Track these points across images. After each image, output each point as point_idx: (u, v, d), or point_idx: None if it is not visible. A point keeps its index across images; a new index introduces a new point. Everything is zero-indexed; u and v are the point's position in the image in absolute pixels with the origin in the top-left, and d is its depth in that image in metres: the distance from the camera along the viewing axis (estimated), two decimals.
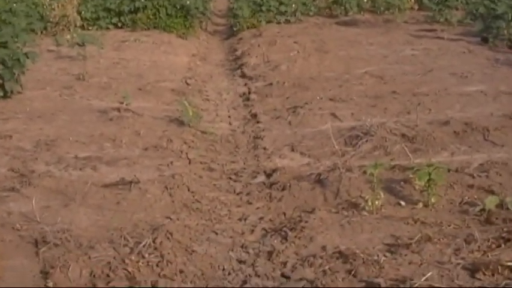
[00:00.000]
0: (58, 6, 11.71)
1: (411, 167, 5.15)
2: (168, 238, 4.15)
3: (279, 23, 12.64)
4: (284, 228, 4.41)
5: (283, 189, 5.22)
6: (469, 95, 7.76)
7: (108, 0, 12.49)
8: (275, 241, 4.26)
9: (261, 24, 12.45)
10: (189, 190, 5.29)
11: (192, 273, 3.84)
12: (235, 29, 12.55)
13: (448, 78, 8.56)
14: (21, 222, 4.44)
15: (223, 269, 3.95)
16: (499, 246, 3.84)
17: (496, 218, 4.37)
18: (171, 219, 4.66)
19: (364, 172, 5.20)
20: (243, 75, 9.53)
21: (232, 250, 4.23)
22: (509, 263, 3.57)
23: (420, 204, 4.73)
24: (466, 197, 4.81)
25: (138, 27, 12.15)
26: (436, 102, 7.44)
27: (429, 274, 3.54)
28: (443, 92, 7.86)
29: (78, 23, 11.81)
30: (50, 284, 3.63)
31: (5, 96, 7.70)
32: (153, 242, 4.06)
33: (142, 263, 3.85)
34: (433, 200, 4.71)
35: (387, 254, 3.87)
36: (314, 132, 6.69)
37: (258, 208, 5.00)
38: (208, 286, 3.75)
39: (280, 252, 4.07)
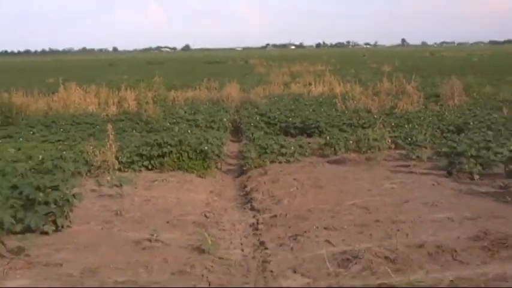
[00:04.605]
0: (100, 153, 12.03)
1: (393, 285, 5.26)
2: None
3: (280, 162, 12.87)
4: None
5: None
6: (439, 221, 7.90)
7: (140, 147, 12.86)
8: None
9: (266, 163, 12.67)
10: None
11: None
12: (244, 168, 12.75)
13: (421, 207, 8.72)
14: None
15: None
16: None
17: None
18: None
19: None
20: (252, 209, 9.68)
21: None
22: None
23: None
24: None
25: (165, 169, 12.43)
26: (412, 228, 7.58)
27: None
28: (418, 219, 8.00)
29: (116, 166, 12.08)
30: None
31: (56, 230, 7.87)
32: None
33: None
34: None
35: None
36: (312, 257, 6.79)
37: None
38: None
39: None
